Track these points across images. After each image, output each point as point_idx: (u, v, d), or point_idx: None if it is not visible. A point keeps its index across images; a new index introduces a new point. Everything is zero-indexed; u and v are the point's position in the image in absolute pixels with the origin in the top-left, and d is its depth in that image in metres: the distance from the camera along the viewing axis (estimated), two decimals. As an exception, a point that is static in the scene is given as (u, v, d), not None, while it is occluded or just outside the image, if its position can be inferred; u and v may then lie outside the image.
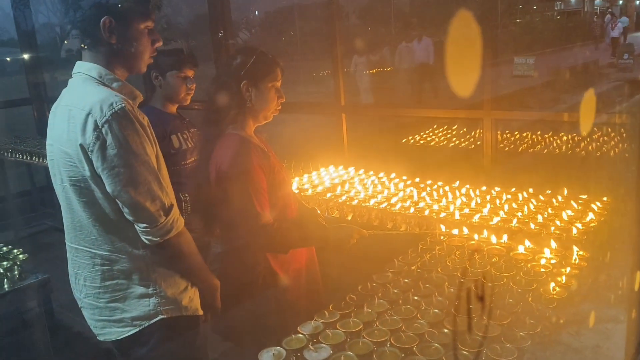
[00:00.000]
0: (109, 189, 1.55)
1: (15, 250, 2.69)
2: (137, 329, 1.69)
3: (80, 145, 1.53)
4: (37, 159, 4.96)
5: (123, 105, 1.53)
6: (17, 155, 5.20)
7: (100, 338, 1.77)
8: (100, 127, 1.50)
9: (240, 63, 1.99)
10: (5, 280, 2.55)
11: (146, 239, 1.61)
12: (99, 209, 1.61)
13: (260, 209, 1.92)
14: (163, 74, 2.65)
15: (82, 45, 1.64)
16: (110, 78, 1.62)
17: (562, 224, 2.24)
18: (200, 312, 1.82)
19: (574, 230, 2.15)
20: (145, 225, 1.58)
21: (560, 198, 2.55)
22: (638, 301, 0.79)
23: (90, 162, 1.54)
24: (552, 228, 2.20)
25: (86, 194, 1.60)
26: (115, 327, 1.71)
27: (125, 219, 1.60)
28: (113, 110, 1.51)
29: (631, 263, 0.85)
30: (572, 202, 2.48)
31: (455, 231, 2.28)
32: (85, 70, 1.63)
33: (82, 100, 1.56)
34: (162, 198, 1.60)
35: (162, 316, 1.70)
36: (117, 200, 1.57)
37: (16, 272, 2.56)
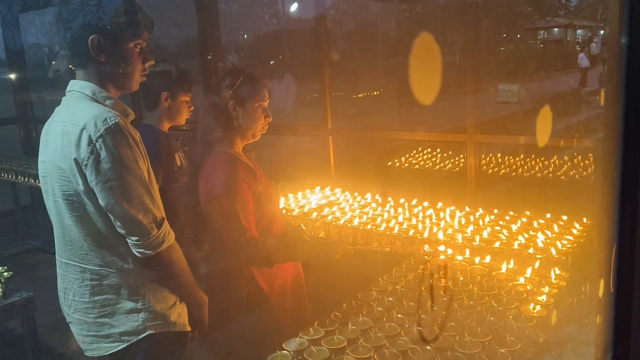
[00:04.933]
0: (102, 202, 1.58)
1: (0, 268, 2.68)
2: (125, 344, 1.70)
3: (75, 159, 1.56)
4: (22, 178, 4.94)
5: (117, 120, 1.57)
6: (2, 174, 5.17)
7: (88, 354, 1.77)
8: (94, 142, 1.54)
9: (227, 84, 2.08)
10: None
11: (138, 252, 1.63)
12: (91, 223, 1.64)
13: (246, 223, 1.98)
14: (174, 96, 2.69)
15: (70, 66, 1.70)
16: (103, 96, 1.67)
17: (543, 245, 2.29)
18: (188, 328, 1.84)
19: (554, 251, 2.20)
20: (137, 238, 1.61)
21: (541, 220, 2.61)
22: (603, 307, 0.83)
23: (84, 176, 1.57)
24: (531, 250, 2.24)
25: (78, 209, 1.63)
26: (104, 343, 1.72)
27: (116, 234, 1.63)
28: (107, 125, 1.55)
29: (595, 270, 0.90)
30: (554, 225, 2.53)
31: (442, 249, 2.32)
32: (78, 88, 1.67)
33: (76, 116, 1.59)
34: (154, 211, 1.63)
35: (150, 331, 1.71)
36: (109, 214, 1.60)
37: (0, 290, 2.54)
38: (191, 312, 1.86)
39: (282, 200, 3.24)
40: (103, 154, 1.54)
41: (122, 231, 1.61)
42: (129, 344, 1.70)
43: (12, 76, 6.27)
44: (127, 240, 1.63)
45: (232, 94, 2.06)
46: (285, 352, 1.63)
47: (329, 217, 2.85)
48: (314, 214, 2.91)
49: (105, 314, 1.70)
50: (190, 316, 1.86)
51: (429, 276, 2.04)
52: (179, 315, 1.79)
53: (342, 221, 2.78)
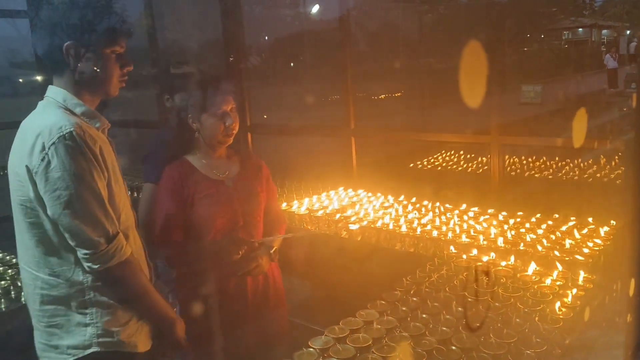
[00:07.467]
0: (49, 211, 1.54)
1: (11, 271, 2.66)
2: (72, 358, 1.65)
3: (26, 166, 1.54)
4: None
5: (72, 129, 1.53)
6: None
7: None
8: (46, 150, 1.51)
9: (182, 100, 2.20)
10: (2, 300, 2.50)
11: (87, 265, 1.58)
12: (42, 231, 1.60)
13: (157, 225, 2.13)
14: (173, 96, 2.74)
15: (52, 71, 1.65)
16: (74, 103, 1.63)
17: (569, 247, 2.27)
18: (140, 350, 1.74)
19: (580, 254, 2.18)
20: (85, 251, 1.56)
21: (570, 223, 2.58)
22: (634, 306, 0.83)
23: (34, 184, 1.54)
24: (557, 253, 2.22)
25: (31, 215, 1.60)
26: (53, 353, 1.67)
27: (67, 244, 1.58)
28: (61, 133, 1.51)
29: (626, 270, 0.90)
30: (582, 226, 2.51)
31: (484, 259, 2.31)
32: (52, 94, 1.65)
33: (37, 122, 1.57)
34: (106, 225, 1.58)
35: (95, 348, 1.65)
36: (58, 224, 1.56)
37: (13, 293, 2.53)
38: (161, 331, 1.80)
39: (305, 200, 3.25)
40: (54, 162, 1.50)
41: (71, 242, 1.56)
42: (75, 358, 1.65)
43: (39, 78, 6.39)
44: (77, 252, 1.58)
45: (187, 109, 2.16)
46: (311, 349, 1.65)
47: (353, 218, 2.86)
48: (337, 215, 2.92)
49: (54, 324, 1.65)
50: (164, 336, 1.80)
51: (457, 277, 2.04)
52: (130, 335, 1.71)
53: (365, 222, 2.79)
